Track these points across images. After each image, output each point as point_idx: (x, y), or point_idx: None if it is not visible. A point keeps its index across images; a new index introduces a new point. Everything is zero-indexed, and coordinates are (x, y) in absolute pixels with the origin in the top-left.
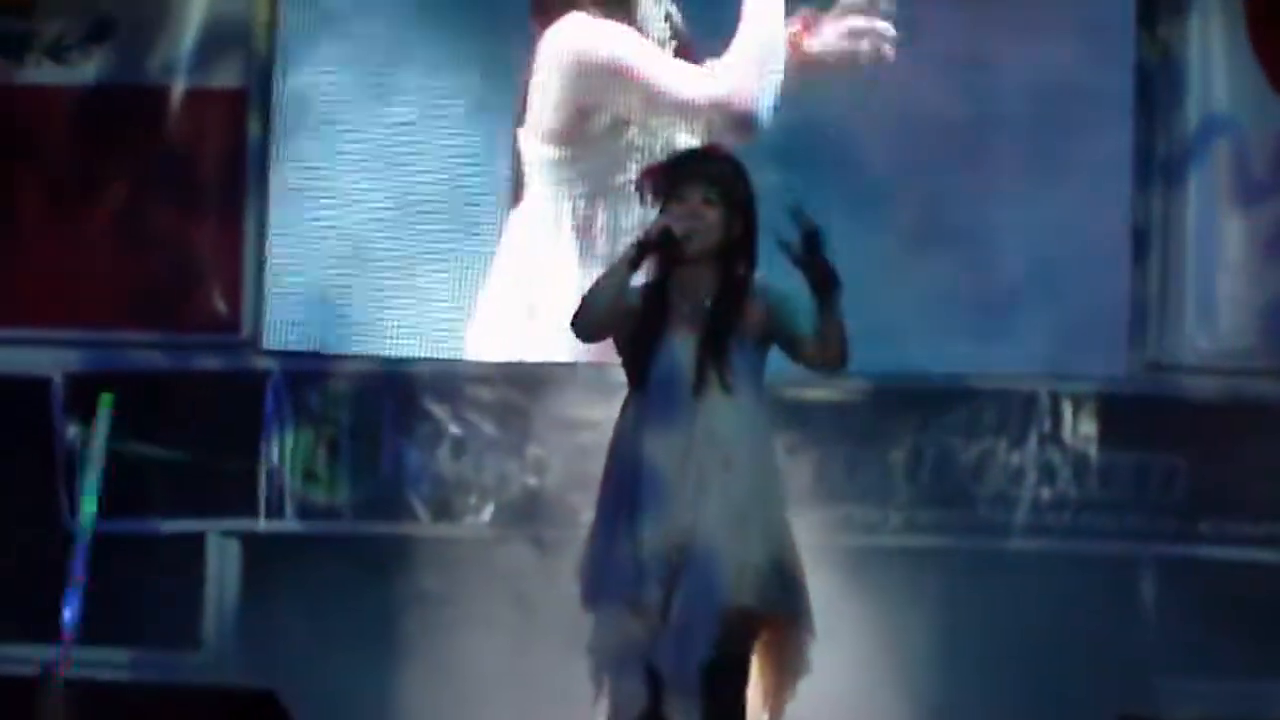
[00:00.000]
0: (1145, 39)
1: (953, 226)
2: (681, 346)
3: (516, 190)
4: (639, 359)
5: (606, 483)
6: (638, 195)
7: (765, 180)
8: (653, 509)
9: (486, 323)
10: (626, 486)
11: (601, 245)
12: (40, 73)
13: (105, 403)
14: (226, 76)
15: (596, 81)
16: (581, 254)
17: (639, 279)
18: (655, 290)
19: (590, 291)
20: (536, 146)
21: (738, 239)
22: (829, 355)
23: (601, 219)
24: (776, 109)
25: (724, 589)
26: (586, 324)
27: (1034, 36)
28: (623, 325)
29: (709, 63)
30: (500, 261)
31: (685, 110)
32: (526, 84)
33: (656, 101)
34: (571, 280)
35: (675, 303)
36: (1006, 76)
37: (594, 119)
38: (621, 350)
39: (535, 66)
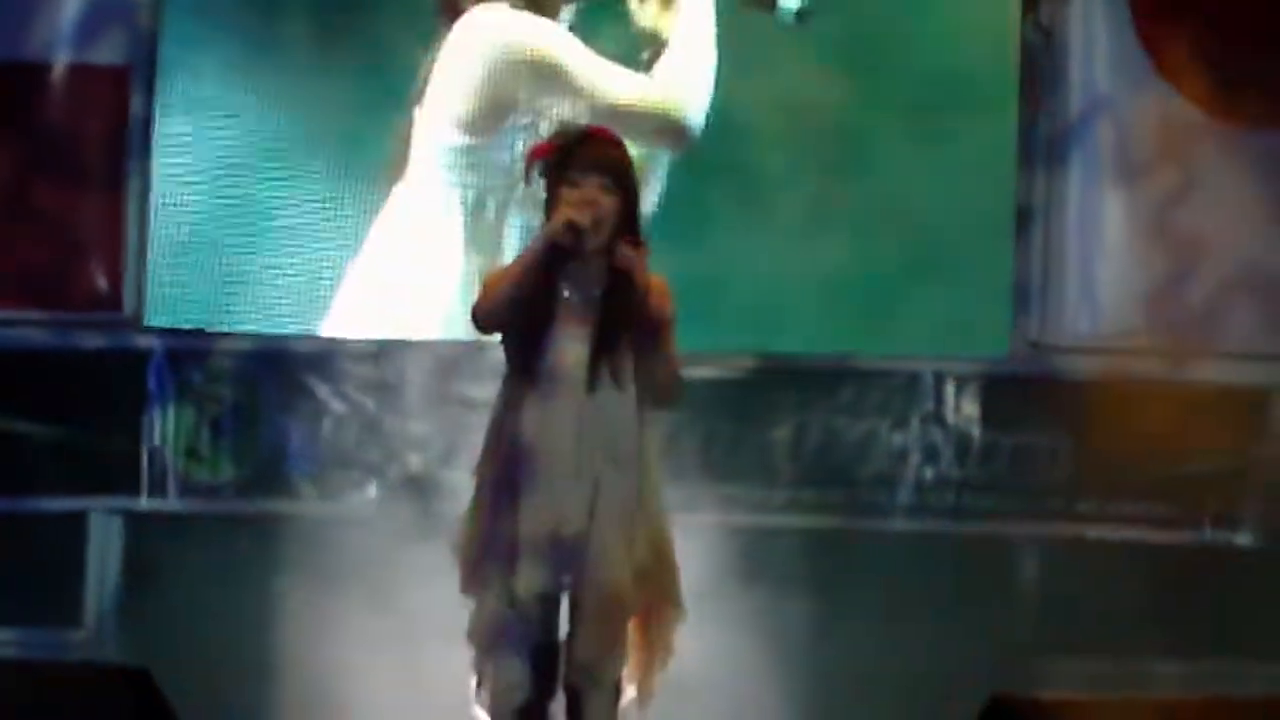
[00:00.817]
0: (1028, 19)
1: (837, 208)
2: (573, 339)
3: (398, 167)
4: (528, 349)
5: (487, 469)
6: (524, 173)
7: None
8: (540, 500)
9: (368, 301)
10: (512, 476)
11: (493, 231)
12: None
13: None
14: (110, 52)
15: (523, 76)
16: (472, 238)
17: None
18: (545, 280)
19: (496, 286)
20: (438, 129)
21: (627, 228)
22: (656, 385)
23: (493, 205)
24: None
25: (621, 588)
26: (490, 318)
27: (917, 17)
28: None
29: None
30: (379, 238)
31: (617, 116)
32: (429, 64)
33: (586, 103)
34: (459, 263)
35: (565, 293)
36: (890, 57)
37: (510, 112)
38: (507, 337)
39: (446, 47)
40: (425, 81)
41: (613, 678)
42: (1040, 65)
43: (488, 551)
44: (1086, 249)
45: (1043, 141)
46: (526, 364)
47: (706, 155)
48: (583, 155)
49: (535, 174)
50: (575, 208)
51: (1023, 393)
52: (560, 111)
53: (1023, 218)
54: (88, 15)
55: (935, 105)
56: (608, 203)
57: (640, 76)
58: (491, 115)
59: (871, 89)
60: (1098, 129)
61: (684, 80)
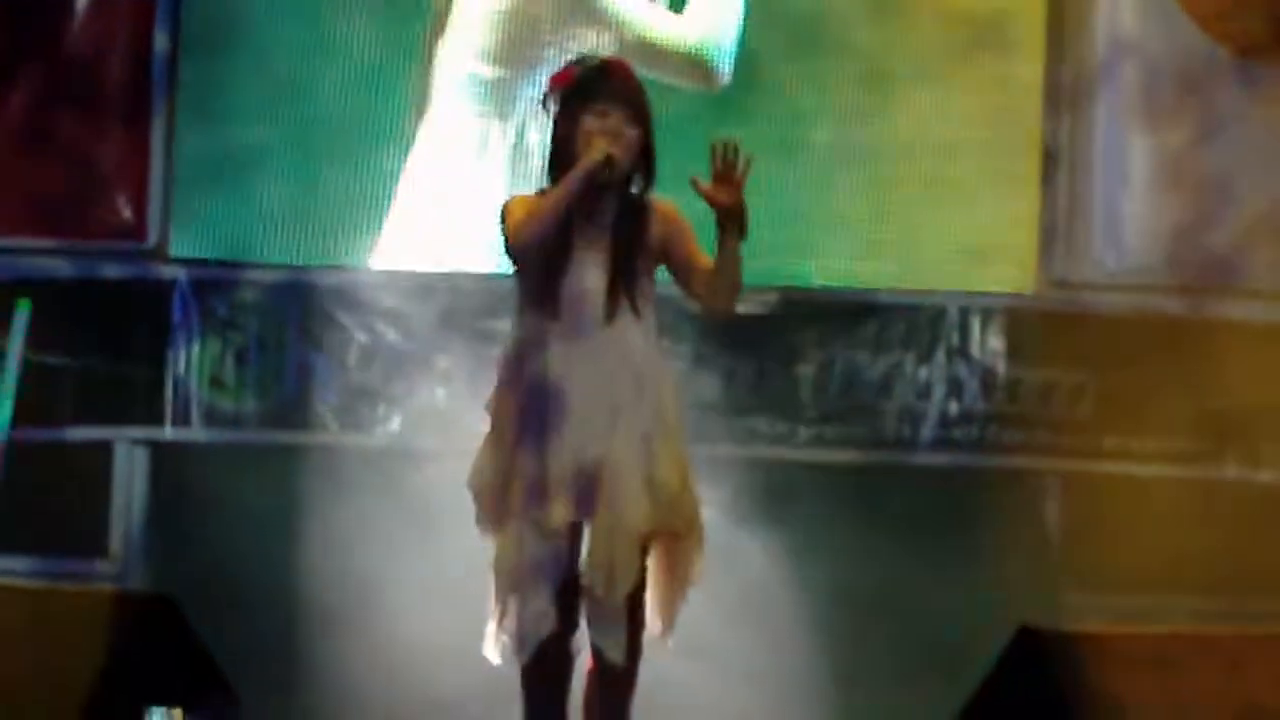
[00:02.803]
0: None
1: (862, 145)
2: (589, 269)
3: (422, 100)
4: (546, 282)
5: (506, 401)
6: (543, 99)
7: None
8: (565, 431)
9: (397, 232)
10: (534, 407)
11: (532, 164)
12: None
13: (23, 308)
14: None
15: (561, 9)
16: (509, 170)
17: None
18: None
19: (535, 217)
20: (463, 61)
21: (644, 161)
22: (719, 294)
23: (532, 138)
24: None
25: (641, 514)
26: (529, 250)
27: None
28: None
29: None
30: (412, 171)
31: (648, 52)
32: None
33: (616, 37)
34: (495, 197)
35: (578, 224)
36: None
37: (537, 43)
38: (525, 271)
39: None
40: (444, 13)
41: (625, 601)
42: (1067, 4)
43: (512, 486)
44: (1111, 188)
45: (1069, 80)
46: (544, 298)
47: (732, 93)
48: (607, 87)
49: (553, 101)
50: (606, 139)
51: (1048, 328)
52: (588, 44)
53: (1049, 156)
54: None
55: (961, 43)
56: (631, 134)
57: (671, 14)
58: (518, 45)
59: (896, 28)
60: (1123, 69)
61: (716, 20)
